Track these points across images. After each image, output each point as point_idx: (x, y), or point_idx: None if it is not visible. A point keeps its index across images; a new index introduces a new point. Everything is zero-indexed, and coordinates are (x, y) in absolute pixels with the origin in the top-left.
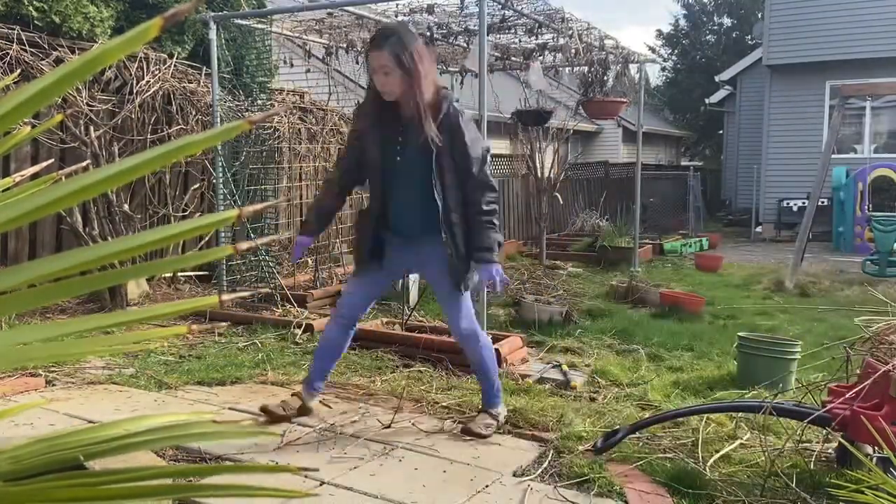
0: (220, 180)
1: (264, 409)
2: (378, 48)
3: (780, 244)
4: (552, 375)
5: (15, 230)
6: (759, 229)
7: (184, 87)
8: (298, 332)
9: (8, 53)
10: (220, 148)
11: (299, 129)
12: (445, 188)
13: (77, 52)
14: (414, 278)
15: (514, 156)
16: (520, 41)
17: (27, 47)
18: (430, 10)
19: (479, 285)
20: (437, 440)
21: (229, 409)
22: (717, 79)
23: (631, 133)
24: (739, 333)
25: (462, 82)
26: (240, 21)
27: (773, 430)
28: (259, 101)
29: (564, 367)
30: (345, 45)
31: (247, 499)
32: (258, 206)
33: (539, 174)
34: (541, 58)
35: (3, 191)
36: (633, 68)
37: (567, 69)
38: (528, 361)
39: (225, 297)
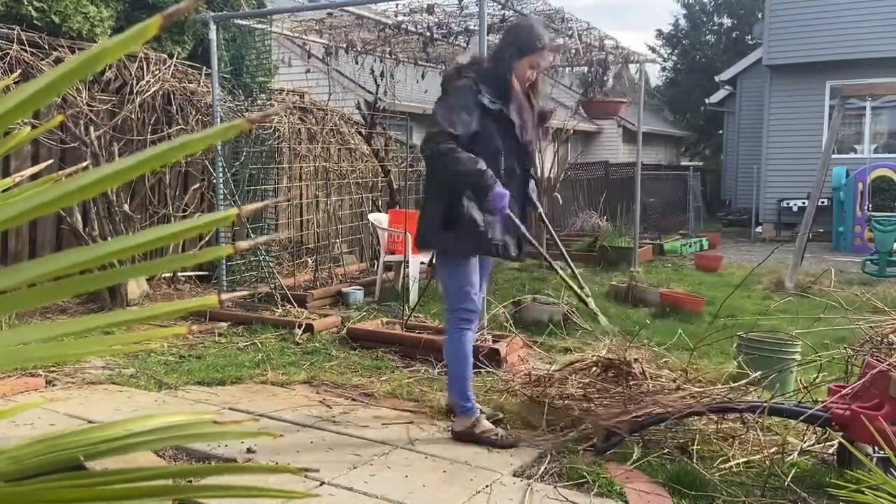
0: (220, 180)
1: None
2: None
3: (780, 244)
4: None
5: (15, 230)
6: (759, 229)
7: (184, 87)
8: (299, 332)
9: (8, 53)
10: (220, 148)
11: (299, 129)
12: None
13: (77, 52)
14: (414, 277)
15: None
16: None
17: (27, 47)
18: (430, 10)
19: None
20: (437, 440)
21: (229, 409)
22: (717, 79)
23: (631, 133)
24: (739, 333)
25: None
26: (240, 21)
27: (774, 430)
28: (259, 101)
29: None
30: (345, 45)
31: (247, 499)
32: (257, 205)
33: (539, 174)
34: None
35: (3, 190)
36: (632, 68)
37: (567, 69)
38: (528, 362)
39: (225, 296)
